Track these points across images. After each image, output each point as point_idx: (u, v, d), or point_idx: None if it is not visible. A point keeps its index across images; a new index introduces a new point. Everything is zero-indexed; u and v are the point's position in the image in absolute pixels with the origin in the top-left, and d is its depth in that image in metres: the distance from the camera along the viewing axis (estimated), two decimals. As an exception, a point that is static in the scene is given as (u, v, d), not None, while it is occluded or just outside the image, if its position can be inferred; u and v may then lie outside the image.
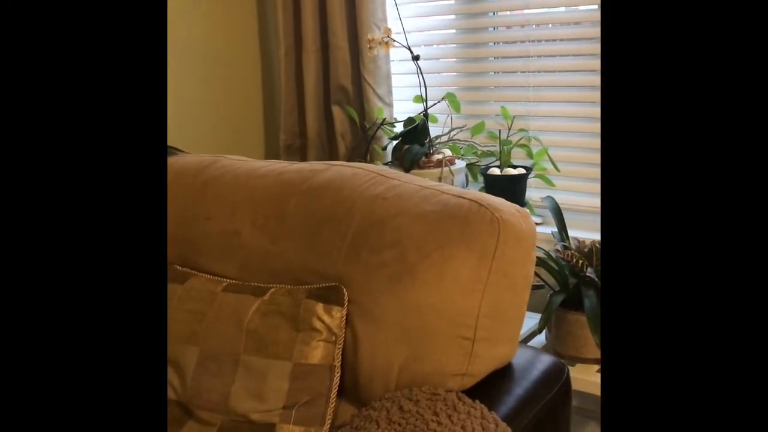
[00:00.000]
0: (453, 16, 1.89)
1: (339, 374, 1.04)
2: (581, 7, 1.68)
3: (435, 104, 1.79)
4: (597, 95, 1.68)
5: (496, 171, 1.68)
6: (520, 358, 1.12)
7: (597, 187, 1.72)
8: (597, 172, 1.72)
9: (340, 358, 1.05)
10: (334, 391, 1.04)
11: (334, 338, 1.05)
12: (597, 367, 1.44)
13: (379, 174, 1.16)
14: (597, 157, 1.71)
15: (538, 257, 1.30)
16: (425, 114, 1.74)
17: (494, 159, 1.77)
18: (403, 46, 1.72)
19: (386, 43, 1.69)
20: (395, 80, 1.90)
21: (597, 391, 1.40)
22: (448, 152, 1.73)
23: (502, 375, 1.08)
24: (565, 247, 1.49)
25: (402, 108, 1.93)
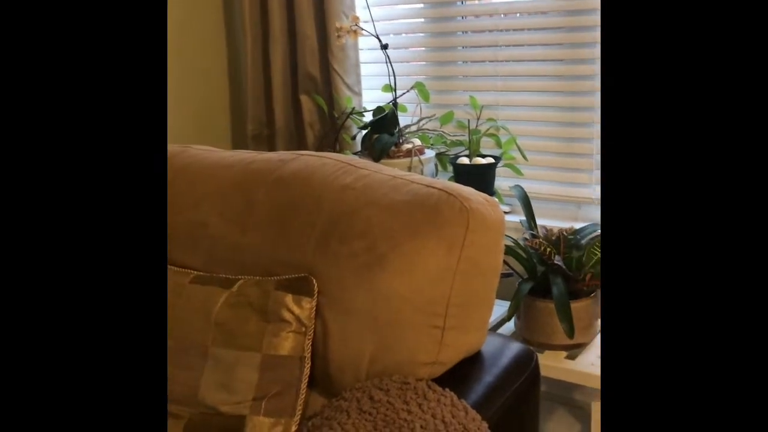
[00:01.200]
0: (421, 5, 1.89)
1: (309, 365, 1.04)
2: (548, -3, 1.69)
3: (404, 93, 1.78)
4: (564, 85, 1.69)
5: (465, 160, 1.69)
6: (489, 345, 1.12)
7: (565, 175, 1.74)
8: (565, 160, 1.74)
9: (310, 349, 1.04)
10: (305, 382, 1.03)
11: (303, 329, 1.04)
12: (565, 353, 1.46)
13: (348, 164, 1.16)
14: (565, 146, 1.73)
15: (506, 245, 1.31)
16: (394, 103, 1.74)
17: (463, 148, 1.77)
18: (372, 35, 1.71)
19: (354, 31, 1.68)
20: (364, 69, 1.89)
21: (566, 377, 1.42)
22: (417, 142, 1.73)
23: (472, 363, 1.08)
24: (534, 236, 1.50)
25: (371, 97, 1.92)
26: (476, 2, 1.84)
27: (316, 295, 1.05)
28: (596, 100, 1.65)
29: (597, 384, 1.39)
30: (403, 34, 1.96)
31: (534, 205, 1.60)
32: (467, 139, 1.73)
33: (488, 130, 1.77)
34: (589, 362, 1.42)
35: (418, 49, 1.94)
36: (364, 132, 1.80)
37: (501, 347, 1.14)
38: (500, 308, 1.59)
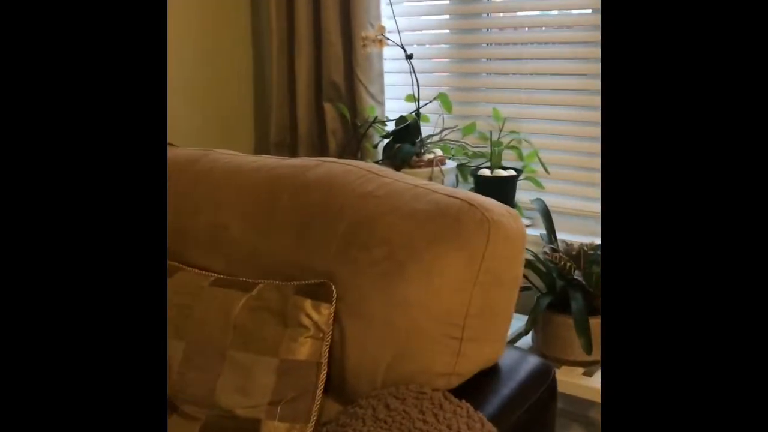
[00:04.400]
0: (447, 16, 1.89)
1: (326, 371, 1.04)
2: (574, 11, 1.69)
3: (427, 104, 1.79)
4: (588, 99, 1.69)
5: (486, 172, 1.69)
6: (507, 358, 1.12)
7: (586, 190, 1.73)
8: (587, 175, 1.73)
9: (327, 355, 1.04)
10: (321, 387, 1.03)
11: (321, 335, 1.04)
12: (582, 369, 1.44)
13: (370, 171, 1.16)
14: (587, 161, 1.72)
15: (526, 259, 1.30)
16: (417, 113, 1.74)
17: (485, 160, 1.77)
18: (397, 45, 1.72)
19: (380, 41, 1.69)
20: (387, 78, 1.90)
21: (582, 393, 1.41)
22: (439, 152, 1.73)
23: (489, 375, 1.08)
24: (554, 250, 1.49)
25: (394, 106, 1.93)
26: (501, 15, 1.85)
27: (334, 301, 1.05)
28: (620, 115, 1.64)
29: (614, 401, 1.38)
30: (428, 45, 1.96)
31: (555, 218, 1.59)
32: (489, 151, 1.73)
33: (510, 142, 1.77)
34: (607, 379, 1.40)
35: (442, 59, 1.94)
36: (386, 141, 1.81)
37: (518, 360, 1.13)
38: (518, 322, 1.59)
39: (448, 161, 1.73)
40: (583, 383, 1.40)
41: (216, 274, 1.17)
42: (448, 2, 1.88)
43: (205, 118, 1.99)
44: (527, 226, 1.75)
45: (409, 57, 1.70)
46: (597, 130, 1.69)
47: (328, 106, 1.91)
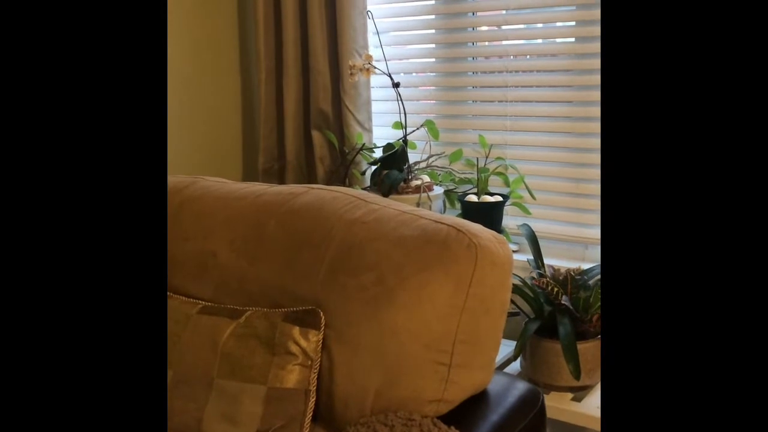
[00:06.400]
0: (433, 45, 1.92)
1: (314, 399, 1.03)
2: (558, 40, 1.72)
3: (414, 131, 1.80)
4: (572, 125, 1.71)
5: (473, 198, 1.70)
6: (495, 384, 1.12)
7: (572, 215, 1.75)
8: (573, 200, 1.74)
9: (315, 383, 1.04)
10: (309, 415, 1.03)
11: (309, 362, 1.04)
12: (571, 395, 1.44)
13: (358, 198, 1.17)
14: (573, 187, 1.74)
15: (513, 284, 1.31)
16: (404, 140, 1.76)
17: (472, 186, 1.79)
18: (384, 73, 1.74)
19: (367, 69, 1.71)
20: (375, 106, 1.92)
21: (571, 419, 1.40)
22: (426, 178, 1.74)
23: (478, 401, 1.08)
24: (541, 275, 1.50)
25: (381, 134, 1.94)
26: (487, 44, 1.88)
27: (323, 328, 1.05)
28: (604, 141, 1.67)
29: (603, 427, 1.38)
30: (414, 74, 1.99)
31: (541, 244, 1.60)
32: (476, 177, 1.74)
33: (497, 168, 1.79)
34: (595, 405, 1.40)
35: (429, 88, 1.96)
36: (373, 168, 1.82)
37: (507, 386, 1.13)
38: (506, 347, 1.58)
39: (435, 187, 1.74)
40: (572, 408, 1.40)
41: (203, 302, 1.17)
42: (434, 32, 1.91)
43: (193, 145, 2.00)
44: (514, 251, 1.76)
45: (396, 85, 1.72)
46: (582, 156, 1.71)
47: (316, 134, 1.93)
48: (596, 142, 1.68)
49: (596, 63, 1.65)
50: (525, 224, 1.63)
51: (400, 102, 1.73)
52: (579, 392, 1.45)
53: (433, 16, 1.89)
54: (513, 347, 1.47)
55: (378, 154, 1.83)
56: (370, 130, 1.91)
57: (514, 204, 1.76)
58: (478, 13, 1.84)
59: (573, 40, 1.69)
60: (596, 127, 1.67)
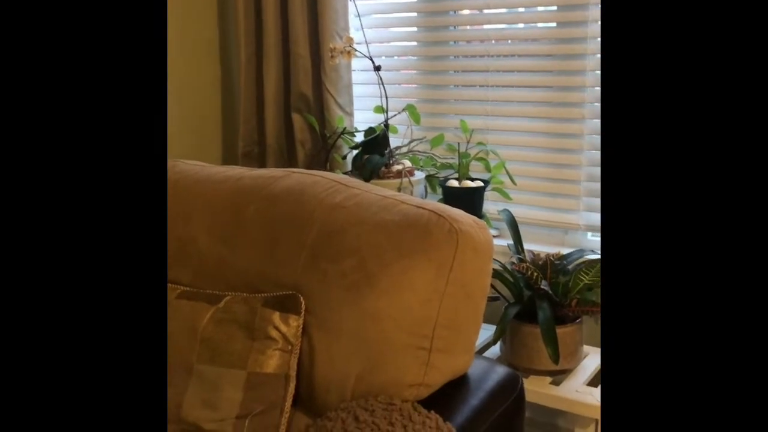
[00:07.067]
0: (415, 29, 1.91)
1: (294, 384, 1.03)
2: (540, 24, 1.72)
3: (395, 115, 1.80)
4: (553, 111, 1.71)
5: (454, 183, 1.70)
6: (475, 368, 1.12)
7: (553, 201, 1.75)
8: (553, 186, 1.75)
9: (295, 368, 1.04)
10: (289, 401, 1.02)
11: (290, 347, 1.03)
12: (550, 378, 1.46)
13: (339, 182, 1.16)
14: (554, 172, 1.74)
15: (494, 269, 1.31)
16: (386, 124, 1.75)
17: (453, 171, 1.78)
18: (365, 56, 1.72)
19: (348, 52, 1.69)
20: (356, 90, 1.90)
21: (550, 402, 1.42)
22: (407, 163, 1.74)
23: (458, 385, 1.08)
24: (521, 260, 1.51)
25: (362, 118, 1.93)
26: (468, 28, 1.87)
27: (303, 313, 1.04)
28: (585, 126, 1.67)
29: (581, 411, 1.39)
30: (396, 57, 1.97)
31: (521, 229, 1.60)
32: (457, 162, 1.74)
33: (478, 153, 1.79)
34: (574, 388, 1.42)
35: (411, 71, 1.95)
36: (355, 152, 1.81)
37: (487, 371, 1.13)
38: (486, 332, 1.59)
39: (416, 172, 1.74)
40: (550, 392, 1.41)
41: (182, 287, 1.16)
42: (415, 15, 1.89)
43: (172, 129, 1.97)
44: (494, 236, 1.76)
45: (377, 68, 1.71)
46: (563, 142, 1.72)
47: (296, 117, 1.91)
48: (577, 127, 1.68)
49: (578, 48, 1.65)
50: (505, 209, 1.63)
51: (381, 86, 1.72)
52: (558, 376, 1.46)
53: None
54: (492, 332, 1.48)
55: (359, 138, 1.82)
56: (351, 114, 1.89)
57: (494, 189, 1.77)
58: (460, -3, 1.83)
59: (554, 24, 1.68)
60: (578, 112, 1.67)
